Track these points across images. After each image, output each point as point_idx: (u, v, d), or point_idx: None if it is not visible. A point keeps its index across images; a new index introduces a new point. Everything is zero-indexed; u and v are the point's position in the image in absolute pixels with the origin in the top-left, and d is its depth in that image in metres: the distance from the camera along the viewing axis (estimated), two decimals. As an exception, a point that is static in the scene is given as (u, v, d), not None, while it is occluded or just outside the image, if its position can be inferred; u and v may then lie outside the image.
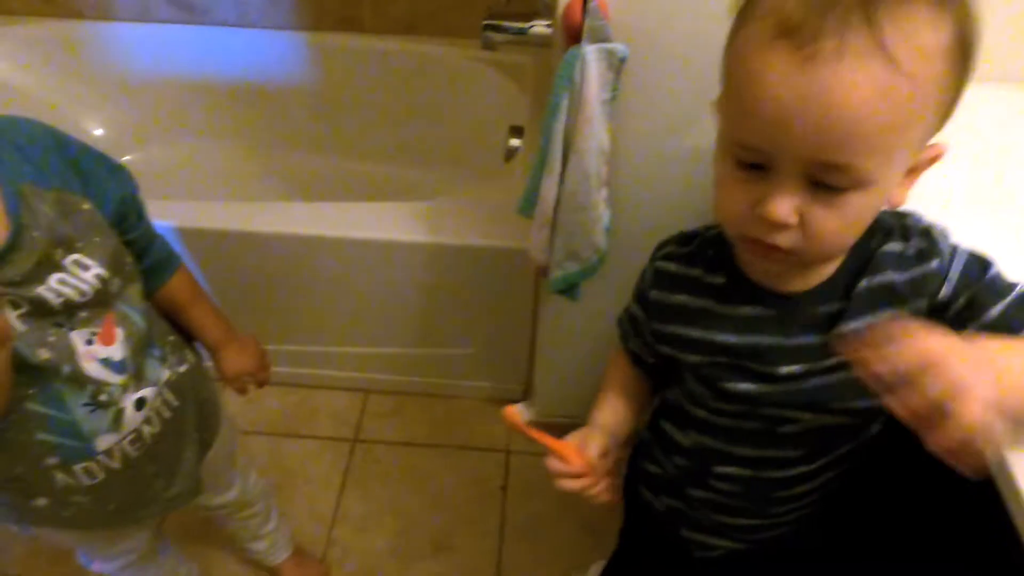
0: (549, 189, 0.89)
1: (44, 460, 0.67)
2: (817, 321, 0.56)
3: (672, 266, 0.63)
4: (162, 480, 0.80)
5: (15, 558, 1.28)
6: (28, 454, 0.66)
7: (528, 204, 0.95)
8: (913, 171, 0.49)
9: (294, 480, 1.40)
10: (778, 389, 0.59)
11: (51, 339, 0.62)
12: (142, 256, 0.76)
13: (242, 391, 0.90)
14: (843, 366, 0.56)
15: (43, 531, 0.82)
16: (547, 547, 1.30)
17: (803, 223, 0.47)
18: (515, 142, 1.41)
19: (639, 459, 0.80)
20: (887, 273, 0.54)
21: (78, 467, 0.68)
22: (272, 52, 1.66)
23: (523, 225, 1.22)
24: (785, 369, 0.57)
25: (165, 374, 0.75)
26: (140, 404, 0.71)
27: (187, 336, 0.85)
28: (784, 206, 0.46)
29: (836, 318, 0.55)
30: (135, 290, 0.71)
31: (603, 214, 0.94)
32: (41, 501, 0.71)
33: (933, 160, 0.49)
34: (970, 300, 0.53)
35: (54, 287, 0.61)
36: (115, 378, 0.67)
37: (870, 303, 0.55)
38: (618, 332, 0.75)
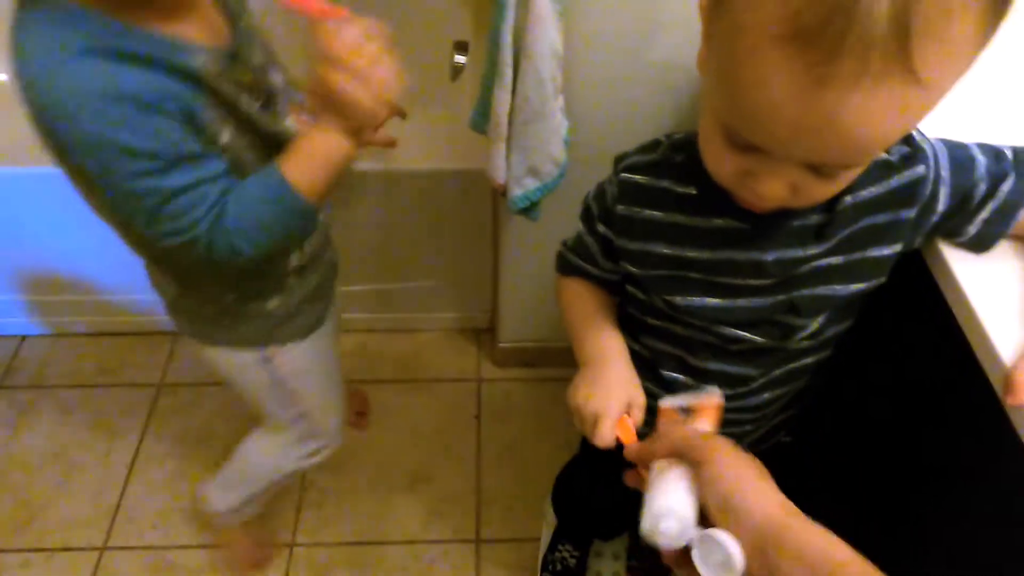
0: (502, 99, 0.84)
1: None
2: (795, 233, 0.54)
3: (638, 177, 0.58)
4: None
5: None
6: None
7: (481, 117, 0.90)
8: None
9: (262, 428, 1.36)
10: (740, 305, 0.57)
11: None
12: None
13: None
14: (814, 283, 0.55)
15: (283, 359, 0.83)
16: (526, 469, 1.31)
17: (795, 190, 0.46)
18: (460, 59, 1.32)
19: None
20: (871, 188, 0.53)
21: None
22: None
23: (477, 146, 1.16)
24: (756, 283, 0.56)
25: None
26: None
27: None
28: (777, 186, 0.45)
29: (821, 230, 0.54)
30: None
31: (561, 124, 0.89)
32: (273, 302, 0.77)
33: None
34: (965, 197, 0.54)
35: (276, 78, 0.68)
36: None
37: (854, 218, 0.54)
38: (565, 265, 0.71)
